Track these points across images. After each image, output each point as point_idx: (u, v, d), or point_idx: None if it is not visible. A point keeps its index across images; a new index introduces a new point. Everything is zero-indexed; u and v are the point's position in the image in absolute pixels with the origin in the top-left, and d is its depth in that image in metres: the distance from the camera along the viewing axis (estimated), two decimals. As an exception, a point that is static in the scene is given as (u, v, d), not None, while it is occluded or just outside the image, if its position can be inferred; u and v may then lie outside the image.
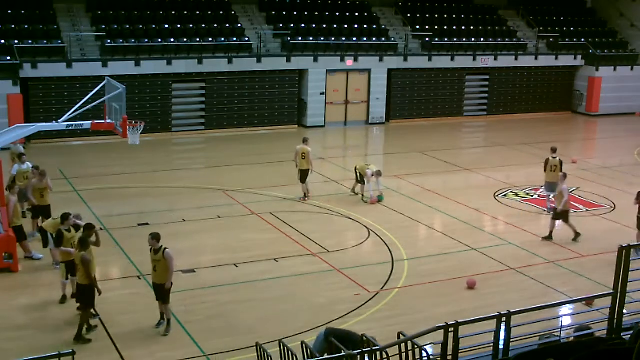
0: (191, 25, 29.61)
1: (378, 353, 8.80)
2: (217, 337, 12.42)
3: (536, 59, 35.11)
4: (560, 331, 8.82)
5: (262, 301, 13.95)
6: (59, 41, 27.20)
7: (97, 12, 29.04)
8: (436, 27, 34.03)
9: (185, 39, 28.81)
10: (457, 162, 25.74)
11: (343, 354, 9.06)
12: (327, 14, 32.89)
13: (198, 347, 12.11)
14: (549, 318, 11.70)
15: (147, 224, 17.99)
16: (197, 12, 30.51)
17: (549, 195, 19.65)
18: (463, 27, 34.74)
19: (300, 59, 30.31)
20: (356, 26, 32.49)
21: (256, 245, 16.82)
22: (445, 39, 33.49)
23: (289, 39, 30.48)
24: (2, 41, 26.36)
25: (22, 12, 28.01)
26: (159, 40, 28.42)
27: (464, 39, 33.94)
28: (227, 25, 30.30)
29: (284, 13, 32.16)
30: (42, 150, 25.11)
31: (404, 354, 8.72)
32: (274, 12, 32.09)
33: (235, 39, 29.64)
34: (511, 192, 21.88)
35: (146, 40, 28.25)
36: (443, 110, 33.66)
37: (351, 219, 18.93)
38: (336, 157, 27.39)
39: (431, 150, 27.28)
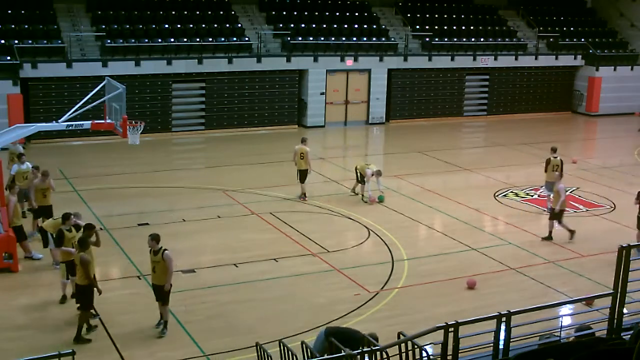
0: (191, 25, 29.61)
1: (378, 353, 8.80)
2: (217, 337, 12.42)
3: (536, 59, 35.12)
4: (560, 331, 8.82)
5: (262, 301, 13.95)
6: (59, 41, 27.20)
7: (97, 12, 29.04)
8: (436, 27, 34.03)
9: (185, 39, 28.81)
10: (457, 162, 25.74)
11: (343, 354, 9.07)
12: (327, 14, 32.89)
13: (198, 347, 12.11)
14: (549, 318, 11.70)
15: (147, 224, 17.99)
16: (197, 12, 30.51)
17: (550, 195, 19.63)
18: (463, 27, 34.74)
19: (300, 59, 30.31)
20: (356, 26, 32.49)
21: (256, 245, 16.82)
22: (445, 39, 33.49)
23: (289, 39, 30.48)
24: (2, 41, 26.37)
25: (22, 12, 28.01)
26: (159, 40, 28.42)
27: (464, 39, 33.94)
28: (227, 25, 30.31)
29: (284, 13, 32.17)
30: (42, 150, 25.11)
31: (404, 354, 8.72)
32: (274, 12, 32.09)
33: (235, 39, 29.64)
34: (511, 192, 21.88)
35: (146, 40, 28.25)
36: (443, 110, 33.66)
37: (351, 219, 18.93)
38: (336, 157, 27.40)
39: (431, 150, 27.28)
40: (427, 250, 17.06)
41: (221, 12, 30.94)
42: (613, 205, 20.66)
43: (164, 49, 28.28)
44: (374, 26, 32.96)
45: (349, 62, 31.17)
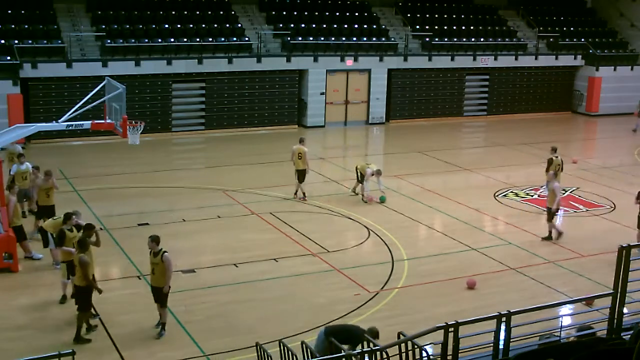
0: (191, 25, 29.61)
1: (378, 353, 8.80)
2: (217, 337, 12.42)
3: (536, 59, 35.12)
4: (560, 331, 8.82)
5: (262, 301, 13.95)
6: (59, 41, 27.20)
7: (97, 12, 29.04)
8: (436, 27, 34.03)
9: (185, 39, 28.82)
10: (457, 162, 25.74)
11: (343, 354, 9.08)
12: (327, 14, 32.90)
13: (198, 347, 12.11)
14: (549, 318, 11.70)
15: (147, 224, 17.99)
16: (197, 12, 30.51)
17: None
18: (463, 27, 34.74)
19: (300, 59, 30.31)
20: (356, 26, 32.49)
21: (256, 245, 16.82)
22: (445, 39, 33.49)
23: (289, 39, 30.48)
24: (2, 41, 26.37)
25: (22, 12, 28.01)
26: (159, 40, 28.42)
27: (464, 39, 33.94)
28: (227, 25, 30.31)
29: (284, 13, 32.17)
30: (42, 150, 25.11)
31: (404, 354, 8.72)
32: (274, 12, 32.09)
33: (235, 39, 29.64)
34: (511, 192, 21.88)
35: (146, 40, 28.26)
36: (443, 110, 33.66)
37: (351, 219, 18.93)
38: (336, 157, 27.40)
39: (431, 150, 27.28)
40: (427, 250, 17.06)
41: (221, 12, 30.94)
42: (613, 205, 20.66)
43: (164, 49, 28.29)
44: (374, 26, 32.96)
45: (349, 62, 31.17)
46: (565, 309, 13.38)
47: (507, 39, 35.05)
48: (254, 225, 18.34)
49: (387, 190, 20.71)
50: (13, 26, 27.33)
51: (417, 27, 33.95)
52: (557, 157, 19.68)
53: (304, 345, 10.18)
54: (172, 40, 28.55)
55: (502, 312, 7.97)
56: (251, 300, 14.01)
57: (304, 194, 20.34)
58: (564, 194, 21.29)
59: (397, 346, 8.73)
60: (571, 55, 35.76)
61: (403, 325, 11.31)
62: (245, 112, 29.99)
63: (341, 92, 31.62)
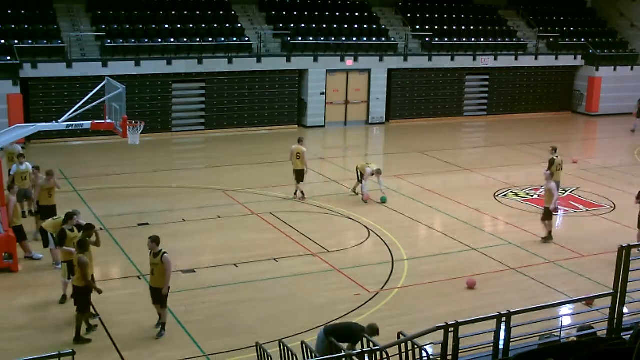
0: (191, 25, 29.61)
1: (378, 353, 8.80)
2: (217, 337, 12.42)
3: (536, 59, 35.12)
4: (560, 331, 8.82)
5: (262, 301, 13.95)
6: (59, 41, 27.20)
7: (97, 12, 29.04)
8: (436, 27, 34.03)
9: (185, 39, 28.81)
10: (457, 162, 25.74)
11: (343, 354, 9.08)
12: (327, 14, 32.89)
13: (198, 347, 12.11)
14: (549, 318, 11.70)
15: (147, 224, 18.00)
16: (197, 12, 30.51)
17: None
18: (463, 27, 34.74)
19: (300, 59, 30.31)
20: (356, 26, 32.49)
21: (256, 245, 16.82)
22: (445, 39, 33.49)
23: (289, 39, 30.48)
24: (2, 41, 26.37)
25: (22, 12, 28.01)
26: (159, 40, 28.42)
27: (464, 39, 33.93)
28: (227, 25, 30.31)
29: (284, 13, 32.17)
30: (42, 150, 25.11)
31: (404, 354, 8.72)
32: (274, 12, 32.09)
33: (235, 39, 29.64)
34: (511, 192, 21.88)
35: (146, 40, 28.25)
36: (443, 110, 33.66)
37: (351, 219, 18.93)
38: (336, 157, 27.40)
39: (431, 150, 27.28)
40: (427, 250, 17.06)
41: (221, 12, 30.94)
42: (613, 205, 20.66)
43: (164, 49, 28.29)
44: (374, 26, 32.96)
45: (349, 62, 31.17)
46: (565, 309, 13.39)
47: (507, 39, 35.04)
48: (254, 225, 18.34)
49: (387, 191, 20.70)
50: (13, 26, 27.33)
51: (417, 27, 33.95)
52: (557, 156, 19.70)
53: (304, 345, 10.19)
54: (172, 40, 28.55)
55: (502, 312, 7.97)
56: (251, 300, 14.01)
57: (302, 193, 20.35)
58: (564, 194, 21.32)
59: (397, 346, 8.74)
60: (571, 55, 35.76)
61: (403, 325, 11.30)
62: (245, 112, 29.99)
63: (341, 92, 31.62)
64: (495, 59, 33.96)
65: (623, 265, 8.23)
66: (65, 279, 13.49)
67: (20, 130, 17.19)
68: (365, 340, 9.75)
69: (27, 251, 15.56)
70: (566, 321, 11.50)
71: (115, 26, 28.64)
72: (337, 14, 33.06)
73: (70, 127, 17.36)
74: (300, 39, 30.79)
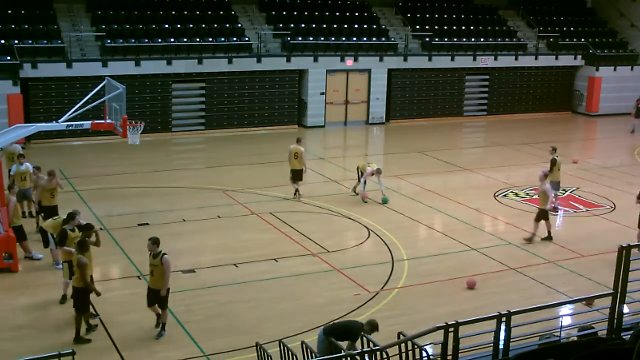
0: (191, 25, 29.61)
1: (378, 353, 8.80)
2: (217, 337, 12.42)
3: (536, 59, 35.12)
4: (560, 331, 8.82)
5: (262, 301, 13.94)
6: (59, 41, 27.20)
7: (97, 12, 29.04)
8: (436, 27, 34.03)
9: (185, 39, 28.81)
10: (457, 162, 25.74)
11: (343, 354, 9.09)
12: (327, 14, 32.89)
13: (198, 347, 12.11)
14: (549, 318, 11.70)
15: (147, 224, 18.00)
16: (197, 12, 30.51)
17: (552, 195, 19.66)
18: (463, 27, 34.74)
19: (300, 59, 30.31)
20: (356, 26, 32.49)
21: (256, 245, 16.82)
22: (445, 39, 33.49)
23: (289, 39, 30.48)
24: (2, 41, 26.37)
25: (22, 12, 28.01)
26: (159, 40, 28.42)
27: (464, 39, 33.94)
28: (227, 25, 30.31)
29: (284, 13, 32.17)
30: (42, 150, 25.11)
31: (404, 354, 8.72)
32: (274, 12, 32.09)
33: (235, 39, 29.64)
34: (511, 192, 21.88)
35: (146, 40, 28.25)
36: (443, 110, 33.66)
37: (351, 219, 18.93)
38: (336, 157, 27.41)
39: (431, 150, 27.28)
40: (427, 250, 17.06)
41: (221, 12, 30.94)
42: (613, 205, 20.66)
43: (164, 49, 28.29)
44: (374, 26, 32.95)
45: (349, 62, 31.17)
46: (565, 309, 13.38)
47: (507, 39, 35.04)
48: (254, 225, 18.34)
49: (387, 191, 20.69)
50: (13, 26, 27.33)
51: (417, 27, 33.95)
52: (557, 156, 19.71)
53: (304, 345, 10.19)
54: (172, 40, 28.55)
55: (502, 312, 7.97)
56: (251, 300, 14.01)
57: (297, 190, 20.33)
58: (564, 194, 21.33)
59: (397, 346, 8.74)
60: (571, 55, 35.76)
61: (403, 325, 11.31)
62: (245, 112, 29.99)
63: (341, 92, 31.61)
64: (495, 59, 33.96)
65: (623, 265, 8.23)
66: (66, 279, 13.47)
67: (20, 130, 17.18)
68: (365, 339, 9.75)
69: (27, 251, 15.56)
70: (566, 321, 11.50)
71: (115, 26, 28.64)
72: (337, 14, 33.06)
73: (70, 127, 17.36)
74: (300, 39, 30.79)
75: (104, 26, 28.51)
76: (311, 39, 30.99)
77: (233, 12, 31.34)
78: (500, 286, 14.95)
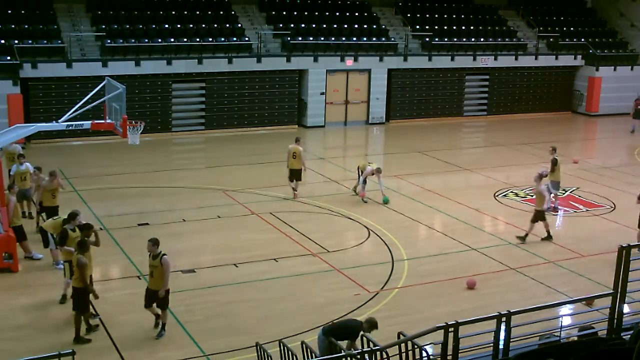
0: (191, 25, 29.61)
1: (378, 353, 8.80)
2: (217, 337, 12.42)
3: (536, 59, 35.12)
4: (560, 331, 8.82)
5: (262, 301, 13.94)
6: (59, 41, 27.20)
7: (97, 12, 29.04)
8: (436, 27, 34.03)
9: (185, 39, 28.81)
10: (457, 162, 25.74)
11: (343, 354, 9.09)
12: (327, 14, 32.89)
13: (198, 347, 12.11)
14: (549, 318, 11.70)
15: (147, 224, 18.00)
16: (197, 12, 30.51)
17: (552, 195, 19.68)
18: (463, 27, 34.74)
19: (300, 59, 30.31)
20: (356, 26, 32.49)
21: (256, 245, 16.82)
22: (445, 39, 33.49)
23: (289, 39, 30.48)
24: (2, 41, 26.37)
25: (22, 12, 28.01)
26: (159, 40, 28.42)
27: (464, 39, 33.94)
28: (227, 25, 30.31)
29: (284, 13, 32.17)
30: (42, 150, 25.11)
31: (404, 354, 8.72)
32: (274, 12, 32.09)
33: (235, 39, 29.64)
34: (511, 192, 21.88)
35: (146, 40, 28.25)
36: (443, 110, 33.66)
37: (351, 219, 18.93)
38: (336, 157, 27.41)
39: (431, 150, 27.28)
40: (427, 250, 17.06)
41: (221, 12, 30.94)
42: (613, 205, 20.65)
43: (164, 49, 28.28)
44: (374, 26, 32.95)
45: (349, 62, 31.17)
46: (565, 309, 13.38)
47: (507, 39, 35.04)
48: (254, 225, 18.34)
49: (387, 191, 20.68)
50: (13, 26, 27.33)
51: (417, 27, 33.94)
52: (557, 156, 19.72)
53: (304, 345, 10.19)
54: (172, 40, 28.55)
55: (502, 312, 7.97)
56: (251, 300, 14.01)
57: (293, 188, 20.33)
58: (564, 194, 21.33)
59: (397, 346, 8.74)
60: (571, 55, 35.76)
61: (403, 325, 11.31)
62: (245, 112, 29.99)
63: (341, 92, 31.61)
64: (495, 59, 33.96)
65: (623, 265, 8.23)
66: (67, 278, 13.45)
67: (20, 130, 17.18)
68: (365, 339, 9.75)
69: (27, 251, 15.56)
70: (566, 321, 11.50)
71: (115, 26, 28.64)
72: (337, 14, 33.05)
73: (70, 127, 17.36)
74: (300, 39, 30.79)
75: (104, 26, 28.51)
76: (311, 39, 30.99)
77: (233, 12, 31.34)
78: (500, 286, 14.95)
